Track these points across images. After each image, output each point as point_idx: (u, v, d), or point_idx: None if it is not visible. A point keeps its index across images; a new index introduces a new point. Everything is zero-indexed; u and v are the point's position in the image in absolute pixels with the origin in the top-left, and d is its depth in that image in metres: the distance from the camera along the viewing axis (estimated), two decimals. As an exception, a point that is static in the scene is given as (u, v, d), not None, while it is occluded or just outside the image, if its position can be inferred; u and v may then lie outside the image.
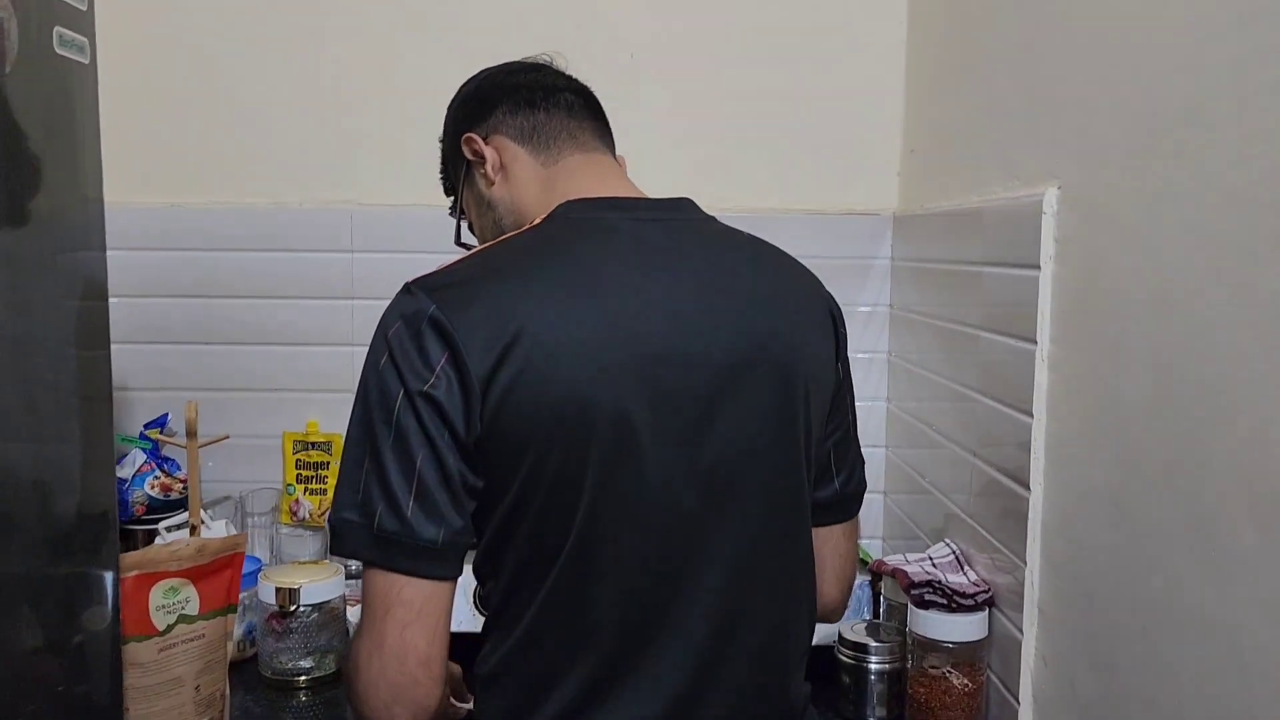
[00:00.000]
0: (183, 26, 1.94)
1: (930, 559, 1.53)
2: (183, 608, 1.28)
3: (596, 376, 0.90)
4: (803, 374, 1.02)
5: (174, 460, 1.90)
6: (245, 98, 1.95)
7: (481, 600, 1.01)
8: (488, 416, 0.89)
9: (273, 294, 1.95)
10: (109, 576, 1.08)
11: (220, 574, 1.32)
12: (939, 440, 1.66)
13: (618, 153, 1.17)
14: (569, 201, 1.01)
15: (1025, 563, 1.29)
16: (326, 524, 1.89)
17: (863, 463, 1.21)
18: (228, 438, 1.80)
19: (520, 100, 1.10)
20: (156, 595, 1.25)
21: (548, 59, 1.18)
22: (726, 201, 1.94)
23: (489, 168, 1.10)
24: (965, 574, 1.47)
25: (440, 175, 1.24)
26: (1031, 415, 1.27)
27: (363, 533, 0.91)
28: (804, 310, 1.06)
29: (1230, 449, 0.89)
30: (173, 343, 1.98)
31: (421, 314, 0.90)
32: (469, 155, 1.12)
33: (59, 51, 0.95)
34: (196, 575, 1.29)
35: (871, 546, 2.01)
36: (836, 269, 1.95)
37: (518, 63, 1.17)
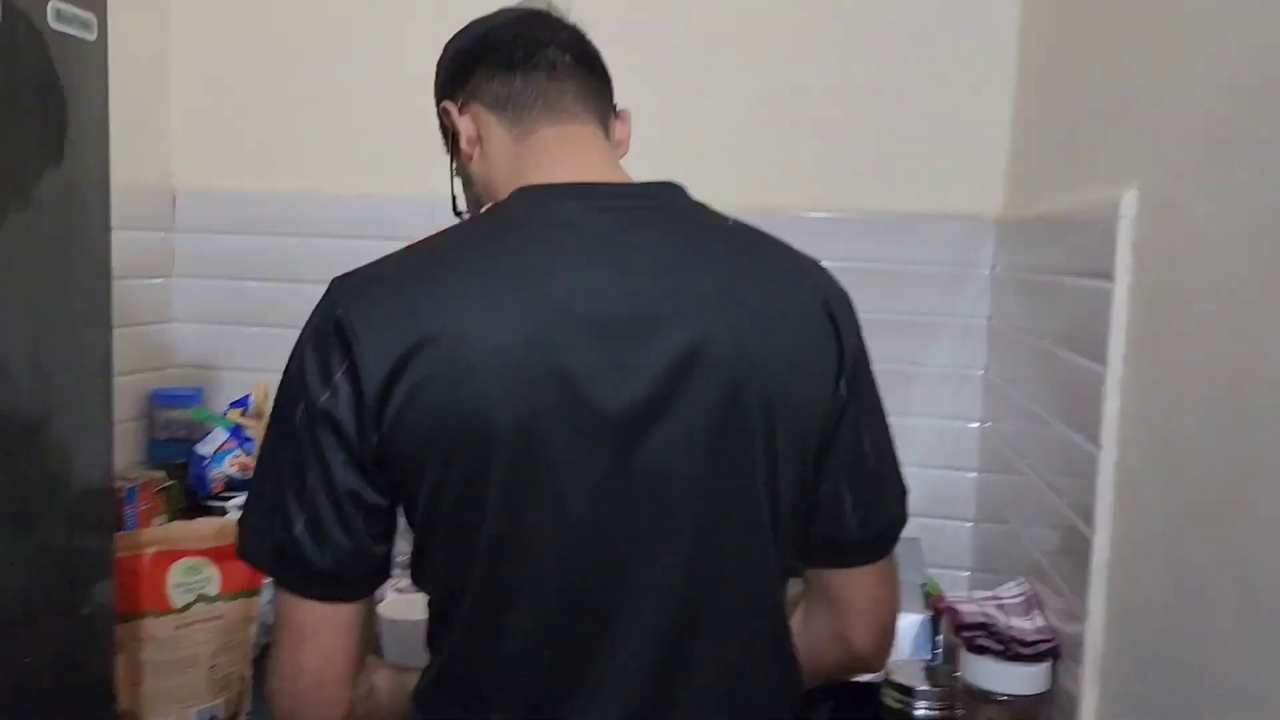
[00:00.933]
0: (272, 18, 1.99)
1: (997, 599, 1.39)
2: (203, 587, 1.28)
3: (503, 390, 0.82)
4: (764, 390, 0.88)
5: (255, 440, 1.95)
6: (337, 86, 1.98)
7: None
8: (385, 431, 0.83)
9: (356, 282, 1.96)
10: (107, 551, 1.09)
11: (245, 556, 1.32)
12: (1021, 468, 1.51)
13: (621, 107, 1.04)
14: (522, 189, 0.91)
15: (1088, 611, 1.14)
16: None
17: (895, 495, 1.01)
18: (295, 422, 1.84)
19: (499, 62, 0.98)
20: (176, 573, 1.27)
21: (544, 5, 1.05)
22: (809, 201, 1.85)
23: (464, 142, 1.00)
24: (1033, 619, 1.33)
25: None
26: (1099, 445, 1.13)
27: (261, 544, 0.87)
28: (786, 319, 0.91)
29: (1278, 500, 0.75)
30: (263, 325, 2.02)
31: (329, 317, 0.85)
32: (447, 125, 1.02)
33: (55, 27, 0.95)
34: (219, 556, 1.30)
35: (957, 580, 1.86)
36: (930, 276, 1.83)
37: (505, 12, 1.04)
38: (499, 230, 0.89)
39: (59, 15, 0.96)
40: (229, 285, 2.01)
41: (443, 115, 1.02)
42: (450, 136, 1.02)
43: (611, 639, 0.87)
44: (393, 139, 1.96)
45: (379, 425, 0.82)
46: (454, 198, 1.07)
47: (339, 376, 0.83)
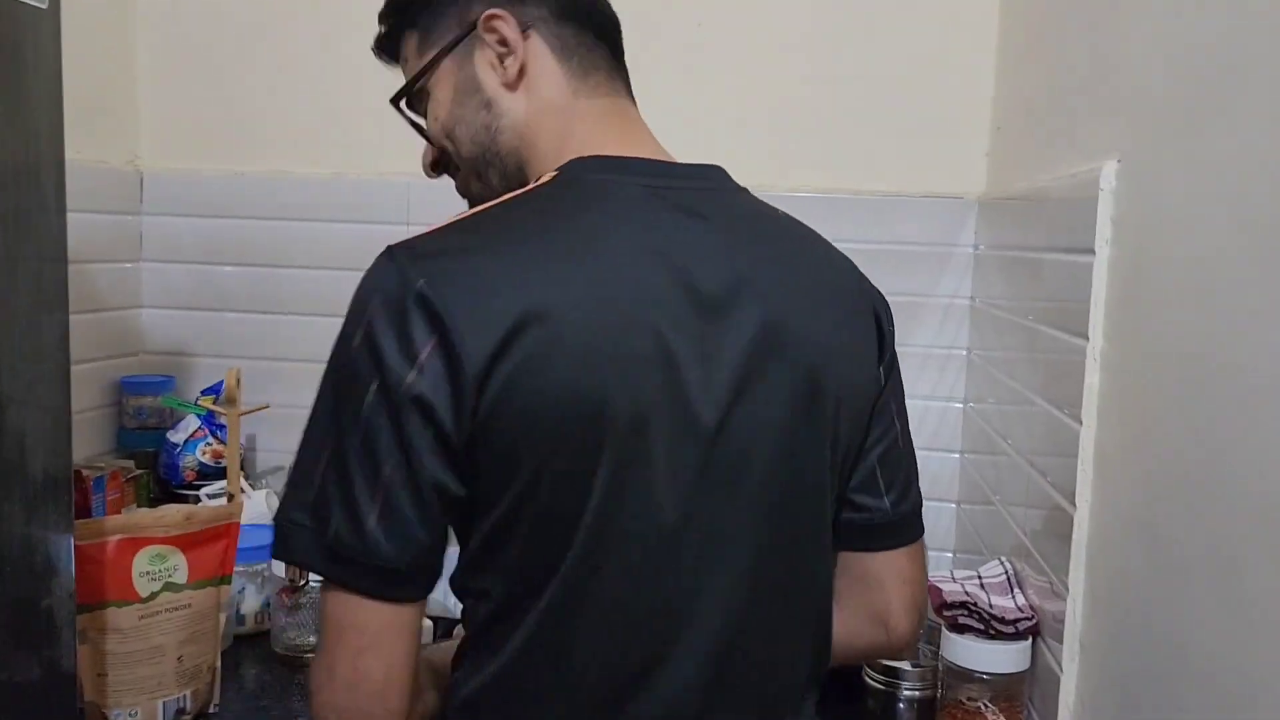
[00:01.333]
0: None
1: (979, 577, 1.38)
2: (169, 575, 1.26)
3: (615, 371, 0.76)
4: (834, 377, 0.87)
5: (227, 428, 1.91)
6: (307, 67, 1.94)
7: (463, 616, 0.88)
8: (482, 415, 0.75)
9: (332, 264, 1.93)
10: (65, 541, 1.06)
11: (213, 544, 1.30)
12: (1004, 447, 1.50)
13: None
14: (582, 159, 0.86)
15: (1068, 589, 1.13)
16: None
17: (916, 476, 1.01)
18: (268, 407, 1.81)
19: (568, 5, 0.91)
20: (141, 561, 1.24)
21: None
22: (793, 180, 1.83)
23: (515, 66, 0.89)
24: (1014, 597, 1.31)
25: (386, 19, 1.01)
26: (1080, 422, 1.11)
27: (314, 541, 0.77)
28: (841, 305, 0.92)
29: (1260, 473, 0.73)
30: (235, 310, 1.99)
31: (407, 288, 0.75)
32: (484, 32, 0.90)
33: (3, -5, 0.92)
34: (186, 544, 1.27)
35: (940, 560, 1.85)
36: (913, 256, 1.81)
37: None
38: (576, 203, 0.83)
39: (6, -18, 0.92)
40: (199, 269, 1.97)
41: (489, 20, 0.89)
42: (454, 39, 0.92)
43: (676, 640, 0.83)
44: (364, 119, 1.93)
45: (476, 409, 0.75)
46: (409, 87, 0.98)
47: (427, 354, 0.74)
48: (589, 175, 0.85)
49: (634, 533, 0.80)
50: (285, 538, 0.80)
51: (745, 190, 0.93)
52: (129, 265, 1.95)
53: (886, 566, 0.98)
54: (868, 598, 0.99)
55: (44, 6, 0.98)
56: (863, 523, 0.96)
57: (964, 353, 1.83)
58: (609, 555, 0.80)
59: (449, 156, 0.98)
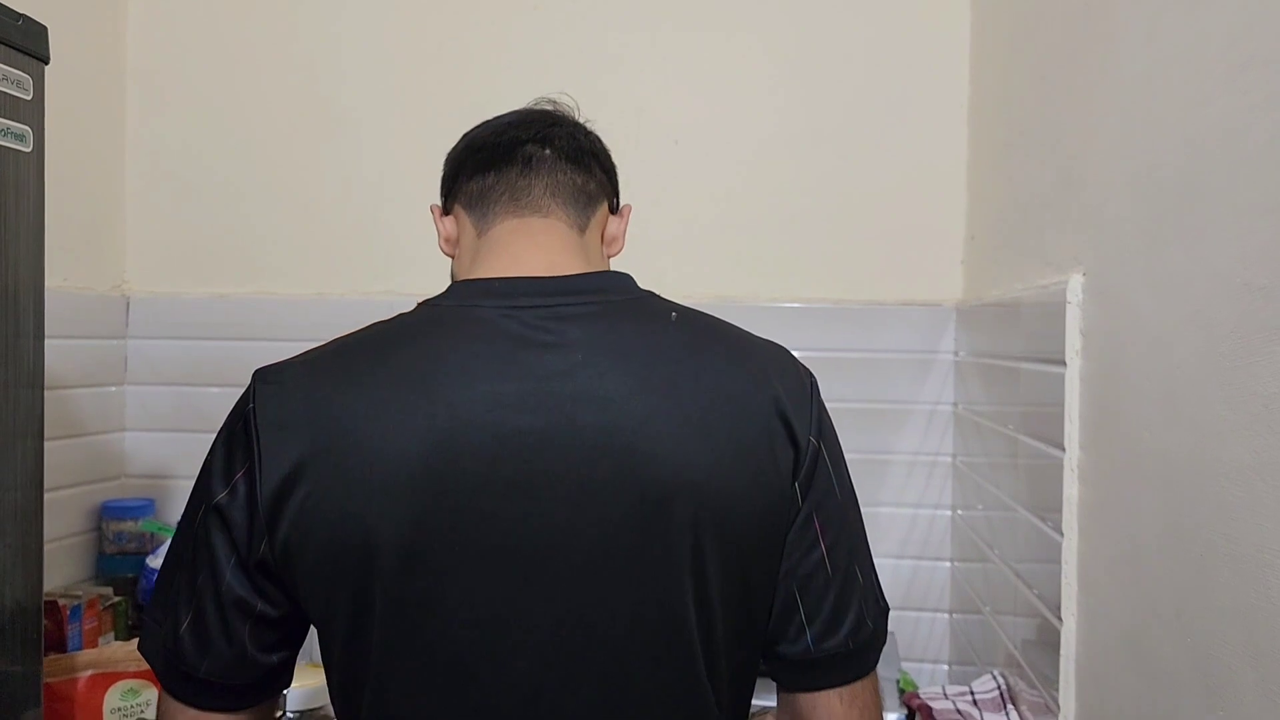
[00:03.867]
0: (228, 124, 2.00)
1: (971, 694, 1.35)
2: (142, 711, 1.23)
3: (388, 505, 0.78)
4: (690, 504, 0.80)
5: (209, 551, 1.89)
6: (289, 191, 1.98)
7: None
8: (278, 545, 0.80)
9: (314, 385, 1.93)
10: (34, 678, 1.04)
11: (188, 676, 1.26)
12: (991, 556, 1.48)
13: (623, 202, 1.01)
14: (454, 284, 0.90)
15: (1059, 706, 1.10)
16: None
17: (864, 607, 0.88)
18: (249, 530, 1.79)
19: (480, 162, 0.96)
20: (113, 697, 1.21)
21: (550, 104, 1.02)
22: (773, 291, 1.85)
23: (441, 241, 0.99)
24: (1007, 714, 1.28)
25: None
26: (1062, 533, 1.10)
27: (155, 641, 0.85)
28: (723, 419, 0.83)
29: (1233, 587, 0.72)
30: (215, 431, 1.98)
31: (242, 410, 0.83)
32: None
33: (-12, 140, 0.94)
34: (159, 677, 1.24)
35: (936, 672, 1.82)
36: (895, 363, 1.83)
37: (509, 115, 1.00)
38: (416, 330, 0.86)
39: (-10, 128, 0.95)
40: (182, 391, 1.98)
41: (431, 213, 1.01)
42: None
43: None
44: (348, 240, 1.97)
45: (270, 535, 0.79)
46: None
47: (239, 477, 0.80)
48: (446, 301, 0.88)
49: (422, 663, 0.81)
50: (142, 633, 0.87)
51: (643, 298, 0.90)
52: (113, 389, 1.95)
53: (816, 708, 0.88)
54: None
55: (28, 151, 1.01)
56: (785, 657, 0.87)
57: (949, 459, 1.83)
58: (402, 684, 0.82)
59: None
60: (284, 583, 0.81)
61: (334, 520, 0.78)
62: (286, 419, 0.80)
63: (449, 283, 1.00)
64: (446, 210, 0.99)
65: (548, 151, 0.95)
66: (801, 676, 0.88)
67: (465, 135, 1.01)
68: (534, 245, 0.92)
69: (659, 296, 0.91)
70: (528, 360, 0.82)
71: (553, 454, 0.79)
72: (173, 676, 0.83)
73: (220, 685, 0.82)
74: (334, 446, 0.79)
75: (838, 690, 0.87)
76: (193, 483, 2.02)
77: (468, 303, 0.86)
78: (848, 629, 0.87)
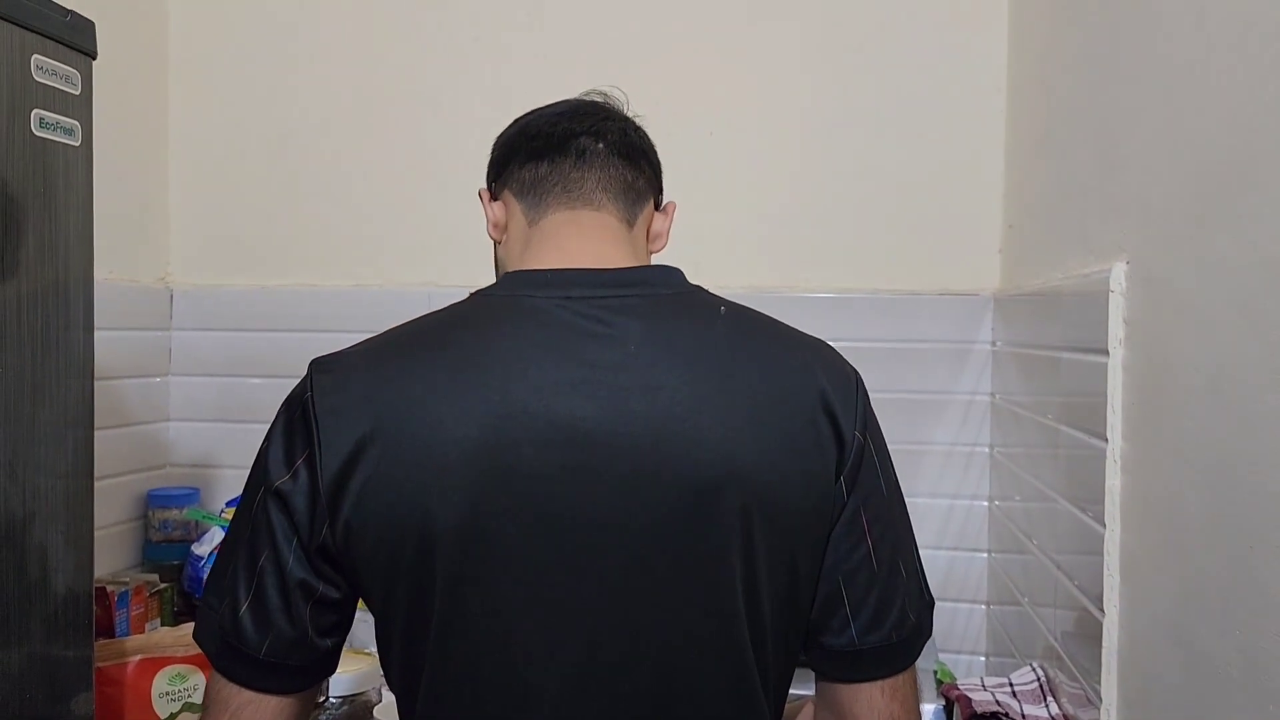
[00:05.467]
0: (268, 118, 2.02)
1: (1010, 685, 1.34)
2: (189, 695, 1.25)
3: (448, 489, 0.80)
4: (739, 494, 0.82)
5: (251, 539, 1.92)
6: (328, 184, 2.00)
7: None
8: (339, 529, 0.81)
9: (353, 375, 1.96)
10: (85, 662, 1.06)
11: (233, 661, 1.29)
12: (1030, 547, 1.47)
13: (666, 199, 1.02)
14: (506, 275, 0.92)
15: (1101, 698, 1.10)
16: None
17: (908, 601, 0.89)
18: (291, 519, 1.82)
19: (533, 151, 0.97)
20: (160, 682, 1.23)
21: (601, 96, 1.03)
22: (809, 282, 1.85)
23: (490, 227, 1.00)
24: (1047, 707, 1.28)
25: None
26: (1104, 524, 1.09)
27: (211, 624, 0.86)
28: (772, 416, 0.84)
29: (1284, 580, 0.72)
30: (261, 422, 2.00)
31: (300, 398, 0.85)
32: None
33: (38, 133, 0.96)
34: (205, 662, 1.26)
35: (974, 664, 1.81)
36: (932, 354, 1.82)
37: (561, 104, 1.01)
38: (471, 319, 0.87)
39: (42, 123, 0.97)
40: (224, 381, 2.01)
41: (479, 197, 1.02)
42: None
43: None
44: (387, 231, 1.99)
45: (332, 519, 0.81)
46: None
47: (300, 462, 0.82)
48: (500, 291, 0.90)
49: (483, 653, 0.82)
50: (198, 620, 0.89)
51: (693, 292, 0.91)
52: (158, 380, 1.99)
53: (857, 700, 0.89)
54: None
55: (77, 144, 1.02)
56: (828, 648, 0.89)
57: (987, 450, 1.82)
58: (455, 674, 0.83)
59: None
60: (344, 566, 0.84)
61: (393, 503, 0.80)
62: (345, 406, 0.82)
63: (487, 270, 1.02)
64: (495, 195, 1.00)
65: (601, 145, 0.96)
66: (844, 668, 0.89)
67: (517, 121, 1.02)
68: (585, 238, 0.94)
69: (708, 291, 0.92)
70: (581, 350, 0.83)
71: (606, 442, 0.81)
72: (229, 658, 0.85)
73: (278, 666, 0.84)
74: (393, 432, 0.81)
75: (879, 683, 0.89)
76: (236, 471, 2.06)
77: (521, 293, 0.88)
78: (891, 623, 0.88)
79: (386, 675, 0.90)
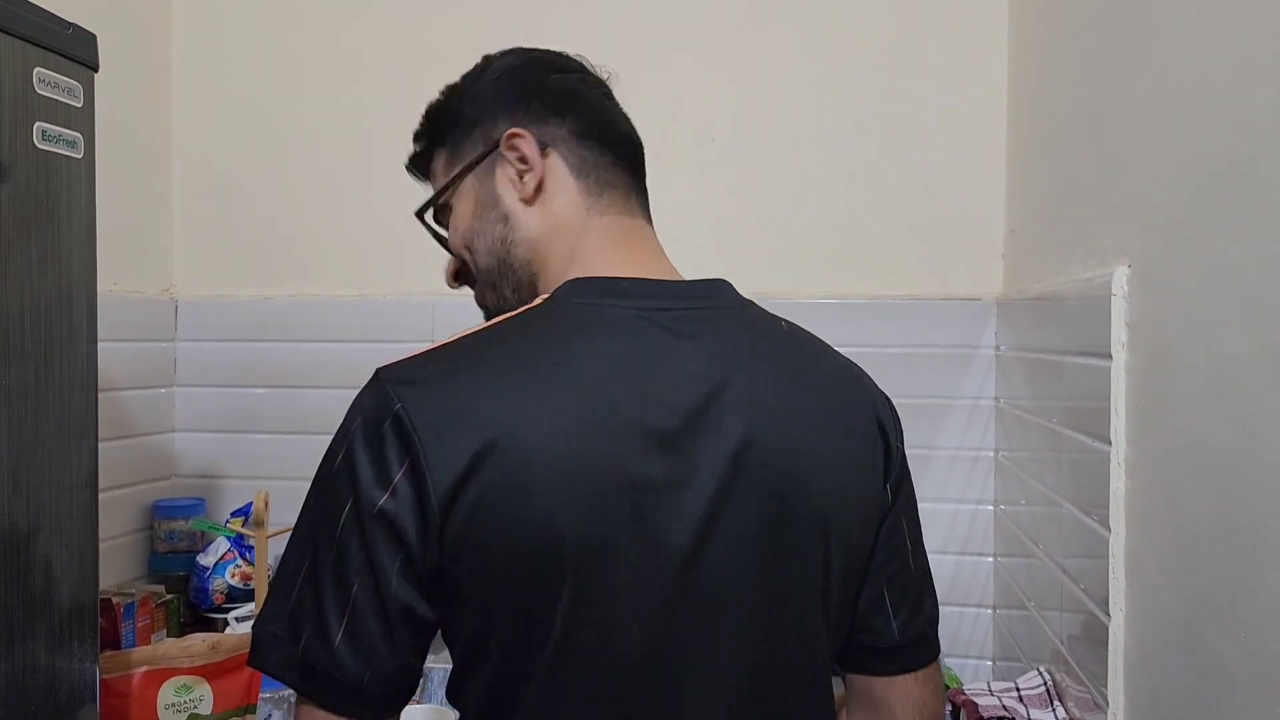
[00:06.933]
0: (271, 129, 2.03)
1: (1017, 689, 1.34)
2: (194, 707, 1.25)
3: (571, 502, 0.76)
4: (819, 500, 0.84)
5: (255, 550, 1.92)
6: (331, 195, 2.01)
7: None
8: (449, 543, 0.76)
9: (358, 384, 1.95)
10: (91, 674, 1.06)
11: (238, 672, 1.29)
12: (1035, 551, 1.47)
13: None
14: (579, 281, 0.86)
15: (1108, 702, 1.09)
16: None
17: (930, 595, 0.96)
18: (296, 529, 1.82)
19: (593, 124, 0.92)
20: (166, 693, 1.23)
21: (605, 76, 0.99)
22: (812, 287, 1.85)
23: (531, 182, 0.90)
24: (1054, 711, 1.27)
25: (420, 139, 1.03)
26: (1109, 528, 1.09)
27: (287, 653, 0.79)
28: (838, 426, 0.88)
29: (1289, 582, 0.71)
30: (266, 432, 2.02)
31: (386, 412, 0.77)
32: (505, 150, 0.92)
33: (41, 147, 0.97)
34: (212, 673, 1.27)
35: (980, 669, 1.80)
36: (935, 358, 1.81)
37: (588, 70, 0.97)
38: (557, 327, 0.83)
39: (45, 135, 0.97)
40: (229, 392, 2.01)
41: (511, 139, 0.91)
42: (479, 156, 0.94)
43: None
44: (390, 241, 1.99)
45: (442, 536, 0.76)
46: (434, 201, 0.99)
47: (400, 478, 0.76)
48: (578, 299, 0.85)
49: (596, 664, 0.79)
50: (261, 648, 0.81)
51: (749, 305, 0.91)
52: (163, 390, 1.99)
53: (895, 691, 0.93)
54: None
55: (79, 157, 1.03)
56: (869, 646, 0.92)
57: (991, 454, 1.81)
58: (568, 686, 0.79)
59: (469, 268, 0.99)
60: (446, 585, 0.78)
61: (510, 518, 0.76)
62: (449, 418, 0.77)
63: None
64: (543, 150, 0.91)
65: (638, 155, 0.96)
66: (884, 663, 0.93)
67: (542, 59, 0.97)
68: (647, 249, 0.93)
69: (758, 305, 0.92)
70: (668, 362, 0.82)
71: (699, 453, 0.80)
72: (319, 687, 0.78)
73: (376, 694, 0.79)
74: (503, 443, 0.76)
75: (913, 674, 0.93)
76: (242, 481, 2.06)
77: (599, 302, 0.85)
78: (925, 617, 0.94)
79: (455, 692, 0.85)
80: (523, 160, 0.91)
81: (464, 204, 0.96)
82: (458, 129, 0.97)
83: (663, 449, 0.79)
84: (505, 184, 0.92)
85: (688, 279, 0.91)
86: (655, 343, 0.83)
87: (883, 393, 0.94)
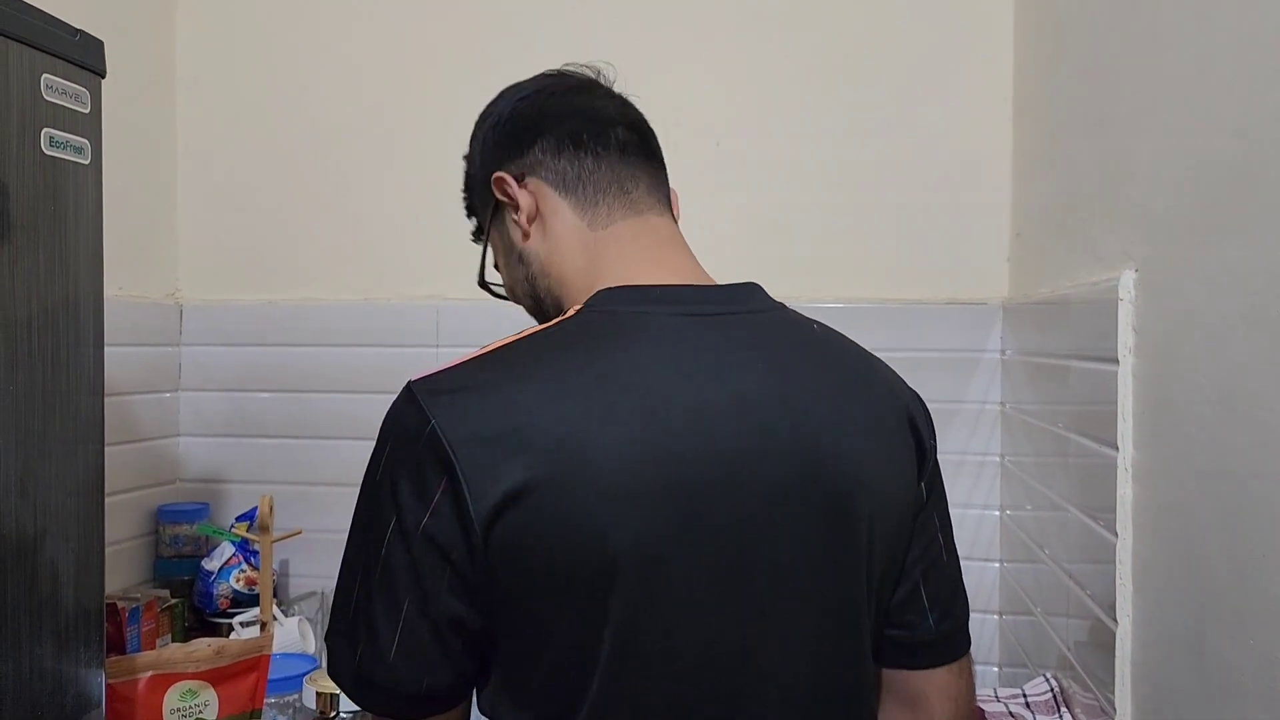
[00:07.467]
0: (275, 135, 2.03)
1: (1023, 696, 1.34)
2: (200, 712, 1.25)
3: (624, 513, 0.75)
4: (867, 498, 0.84)
5: (260, 554, 1.92)
6: (335, 200, 2.01)
7: None
8: (493, 556, 0.75)
9: (362, 388, 1.96)
10: (97, 679, 1.06)
11: (244, 677, 1.29)
12: (1042, 557, 1.46)
13: (672, 187, 0.98)
14: (608, 290, 0.85)
15: (1115, 710, 1.09)
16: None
17: (962, 589, 0.97)
18: (300, 533, 1.82)
19: (564, 135, 0.91)
20: (172, 698, 1.23)
21: (594, 73, 0.98)
22: (818, 291, 1.84)
23: (523, 217, 0.92)
24: (1061, 717, 1.27)
25: (464, 196, 1.04)
26: (1116, 534, 1.09)
27: (347, 665, 0.80)
28: (880, 424, 0.88)
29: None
30: (271, 436, 2.02)
31: (421, 428, 0.76)
32: (499, 196, 0.94)
33: (49, 153, 0.97)
34: (217, 678, 1.27)
35: (986, 674, 1.80)
36: (941, 363, 1.81)
37: (561, 75, 0.96)
38: (594, 337, 0.82)
39: (52, 141, 0.97)
40: (235, 397, 2.01)
41: (496, 185, 0.94)
42: (492, 206, 0.96)
43: None
44: (394, 246, 1.99)
45: (486, 549, 0.75)
46: (482, 266, 1.00)
47: (439, 497, 0.75)
48: (611, 306, 0.84)
49: (652, 674, 0.78)
50: (331, 657, 0.83)
51: (782, 306, 0.91)
52: (168, 395, 1.99)
53: (931, 684, 0.94)
54: (912, 716, 0.95)
55: (87, 163, 1.03)
56: (905, 640, 0.93)
57: (997, 459, 1.81)
58: (625, 698, 0.78)
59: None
60: (495, 597, 0.77)
61: (565, 531, 0.74)
62: (487, 431, 0.75)
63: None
64: (521, 181, 0.92)
65: (635, 137, 0.94)
66: (920, 656, 0.94)
67: (517, 97, 0.96)
68: (665, 248, 0.92)
69: (790, 308, 0.92)
70: (714, 366, 0.81)
71: (751, 456, 0.79)
72: (386, 700, 0.80)
73: (442, 696, 0.80)
74: (546, 458, 0.74)
75: (948, 666, 0.94)
76: (246, 486, 2.06)
77: (637, 309, 0.84)
78: (959, 609, 0.96)
79: (492, 705, 0.83)
80: (509, 199, 0.93)
81: (499, 258, 1.00)
82: (474, 194, 1.02)
83: (717, 455, 0.78)
84: (511, 227, 0.95)
85: (723, 283, 0.90)
86: (699, 348, 0.82)
87: (912, 390, 0.95)
